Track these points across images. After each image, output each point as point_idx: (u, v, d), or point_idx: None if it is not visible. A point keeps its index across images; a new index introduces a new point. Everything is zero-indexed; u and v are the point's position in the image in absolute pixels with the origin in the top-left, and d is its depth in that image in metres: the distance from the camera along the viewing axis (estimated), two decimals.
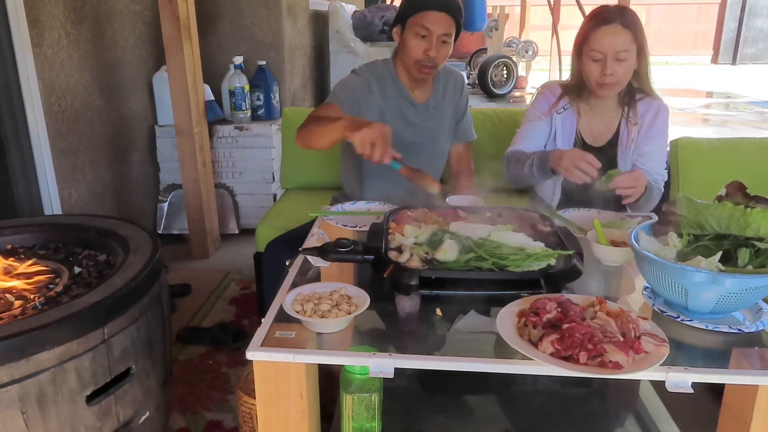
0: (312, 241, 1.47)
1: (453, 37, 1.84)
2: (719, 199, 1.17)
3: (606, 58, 1.70)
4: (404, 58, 1.86)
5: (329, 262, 1.27)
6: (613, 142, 1.89)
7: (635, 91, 1.87)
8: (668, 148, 1.95)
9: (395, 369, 0.98)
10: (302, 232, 1.63)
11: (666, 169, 1.93)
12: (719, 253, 1.08)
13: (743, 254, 1.08)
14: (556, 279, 1.16)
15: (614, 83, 1.75)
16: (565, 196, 1.94)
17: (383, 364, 0.98)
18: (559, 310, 1.03)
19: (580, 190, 1.71)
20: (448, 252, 1.23)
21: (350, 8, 4.74)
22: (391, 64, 1.95)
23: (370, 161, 1.49)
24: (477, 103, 7.50)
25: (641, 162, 1.86)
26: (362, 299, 1.11)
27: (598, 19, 1.73)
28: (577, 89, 1.88)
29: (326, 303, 1.09)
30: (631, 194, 1.61)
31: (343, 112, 1.78)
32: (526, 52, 9.92)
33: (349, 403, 1.18)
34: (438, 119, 2.01)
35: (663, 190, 1.88)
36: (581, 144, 1.90)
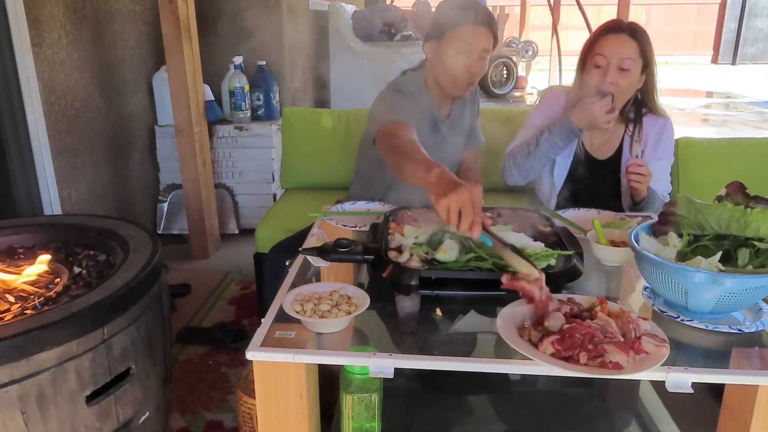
0: (312, 241, 1.47)
1: (490, 53, 1.77)
2: (719, 199, 1.17)
3: (609, 65, 1.70)
4: (441, 74, 1.78)
5: (329, 262, 1.27)
6: (617, 159, 1.86)
7: (641, 107, 1.84)
8: (672, 162, 1.94)
9: (395, 369, 0.98)
10: (306, 235, 1.62)
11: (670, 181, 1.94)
12: (719, 253, 1.07)
13: (743, 254, 1.08)
14: (556, 279, 1.16)
15: (613, 94, 1.71)
16: (562, 196, 1.93)
17: (383, 364, 0.98)
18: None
19: (579, 191, 1.76)
20: (448, 252, 1.23)
21: (350, 8, 4.74)
22: (423, 79, 1.86)
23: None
24: None
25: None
26: (362, 299, 1.11)
27: (606, 28, 1.74)
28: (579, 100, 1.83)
29: (326, 303, 1.09)
30: (640, 180, 1.64)
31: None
32: (526, 52, 9.91)
33: (349, 403, 1.18)
34: (460, 131, 1.98)
35: (668, 199, 1.88)
36: (584, 155, 1.88)
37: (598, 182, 1.81)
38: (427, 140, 1.82)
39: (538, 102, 1.97)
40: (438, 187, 1.22)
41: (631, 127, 1.84)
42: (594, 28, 1.84)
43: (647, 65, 1.73)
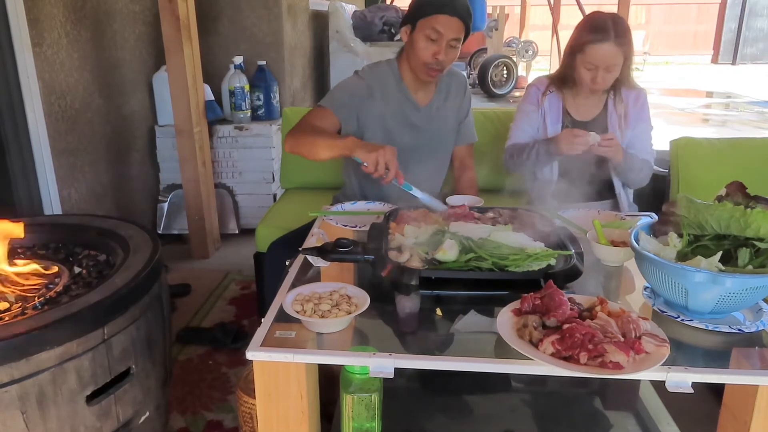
0: (312, 241, 1.47)
1: (461, 42, 1.82)
2: (719, 199, 1.17)
3: (597, 69, 1.88)
4: (411, 59, 1.83)
5: (329, 262, 1.27)
6: (602, 117, 2.04)
7: (619, 83, 2.01)
8: (652, 129, 2.09)
9: (395, 369, 0.98)
10: (304, 232, 1.63)
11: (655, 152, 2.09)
12: (719, 253, 1.08)
13: (743, 254, 1.08)
14: (556, 279, 1.16)
15: (600, 89, 1.95)
16: (563, 179, 2.04)
17: (383, 364, 0.98)
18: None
19: (575, 167, 1.91)
20: (448, 252, 1.23)
21: (350, 8, 4.74)
22: (395, 65, 1.91)
23: (380, 181, 1.55)
24: (477, 103, 7.50)
25: (631, 145, 2.02)
26: (362, 299, 1.11)
27: (594, 31, 1.86)
28: (562, 80, 2.03)
29: (326, 303, 1.09)
30: (611, 150, 1.86)
31: (338, 118, 1.80)
32: (526, 52, 9.92)
33: (349, 403, 1.18)
34: (441, 121, 1.99)
35: (653, 166, 2.06)
36: (570, 119, 2.04)
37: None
38: (396, 122, 1.90)
39: (525, 91, 2.15)
40: (364, 147, 1.56)
41: (612, 94, 2.04)
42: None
43: (627, 56, 1.91)
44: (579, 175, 1.92)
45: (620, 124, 2.01)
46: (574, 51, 1.93)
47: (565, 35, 2.06)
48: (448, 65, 1.84)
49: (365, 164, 1.54)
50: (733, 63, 16.00)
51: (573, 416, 1.54)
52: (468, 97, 2.09)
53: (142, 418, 1.47)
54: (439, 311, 1.18)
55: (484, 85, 8.84)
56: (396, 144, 1.84)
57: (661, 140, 2.08)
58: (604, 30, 1.84)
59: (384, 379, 1.03)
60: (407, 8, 1.87)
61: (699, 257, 1.08)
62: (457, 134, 2.08)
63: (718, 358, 1.04)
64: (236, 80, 3.33)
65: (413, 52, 1.81)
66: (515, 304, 1.08)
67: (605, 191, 2.03)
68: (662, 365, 0.93)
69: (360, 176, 2.01)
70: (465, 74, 3.42)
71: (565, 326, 0.98)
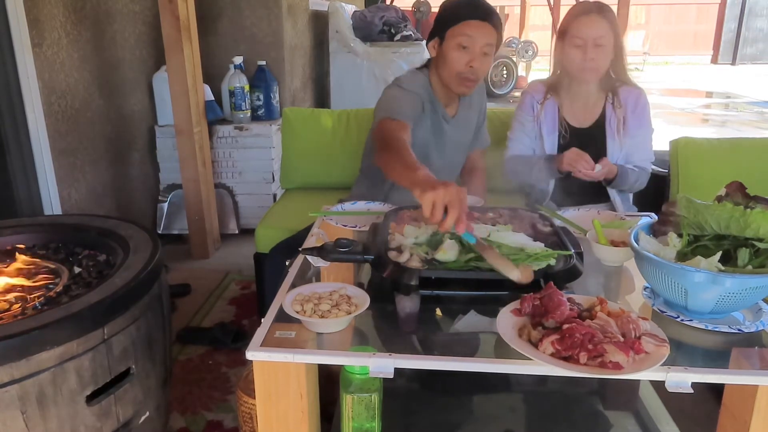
0: (312, 241, 1.47)
1: (494, 50, 1.76)
2: (719, 199, 1.17)
3: (586, 44, 1.85)
4: (443, 72, 1.77)
5: (329, 262, 1.27)
6: (600, 124, 1.99)
7: (615, 80, 2.00)
8: (653, 132, 2.06)
9: (395, 369, 0.98)
10: (306, 235, 1.62)
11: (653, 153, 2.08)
12: (719, 253, 1.08)
13: (743, 254, 1.08)
14: (556, 279, 1.16)
15: (594, 68, 1.89)
16: (559, 185, 2.03)
17: (383, 364, 0.98)
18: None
19: (571, 182, 1.92)
20: (448, 252, 1.23)
21: (350, 8, 4.74)
22: (427, 74, 1.85)
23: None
24: None
25: (631, 152, 1.99)
26: (362, 299, 1.11)
27: (578, 11, 1.89)
28: (558, 83, 2.00)
29: (326, 303, 1.09)
30: (582, 173, 1.84)
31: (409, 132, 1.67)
32: (526, 52, 9.93)
33: (349, 403, 1.18)
34: (466, 131, 1.97)
35: (650, 171, 2.04)
36: (566, 127, 2.00)
37: (587, 147, 1.93)
38: (431, 139, 1.83)
39: (521, 99, 2.10)
40: (425, 183, 1.21)
41: (610, 96, 2.00)
42: None
43: (617, 39, 1.90)
44: (574, 183, 1.92)
45: (619, 130, 1.96)
46: (561, 38, 1.92)
47: None
48: (483, 75, 1.78)
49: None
50: (733, 63, 16.01)
51: (573, 416, 1.54)
52: (485, 100, 2.07)
53: (142, 418, 1.47)
54: (439, 311, 1.18)
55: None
56: (432, 161, 1.75)
57: (661, 140, 2.08)
58: (586, 6, 1.88)
59: (384, 379, 1.03)
60: (433, 23, 1.81)
61: (699, 257, 1.08)
62: (474, 139, 2.05)
63: (718, 358, 1.04)
64: (236, 80, 3.33)
65: (445, 65, 1.75)
66: (515, 305, 1.08)
67: (599, 195, 2.02)
68: (662, 365, 0.93)
69: (370, 191, 1.96)
70: None
71: (565, 326, 0.98)
